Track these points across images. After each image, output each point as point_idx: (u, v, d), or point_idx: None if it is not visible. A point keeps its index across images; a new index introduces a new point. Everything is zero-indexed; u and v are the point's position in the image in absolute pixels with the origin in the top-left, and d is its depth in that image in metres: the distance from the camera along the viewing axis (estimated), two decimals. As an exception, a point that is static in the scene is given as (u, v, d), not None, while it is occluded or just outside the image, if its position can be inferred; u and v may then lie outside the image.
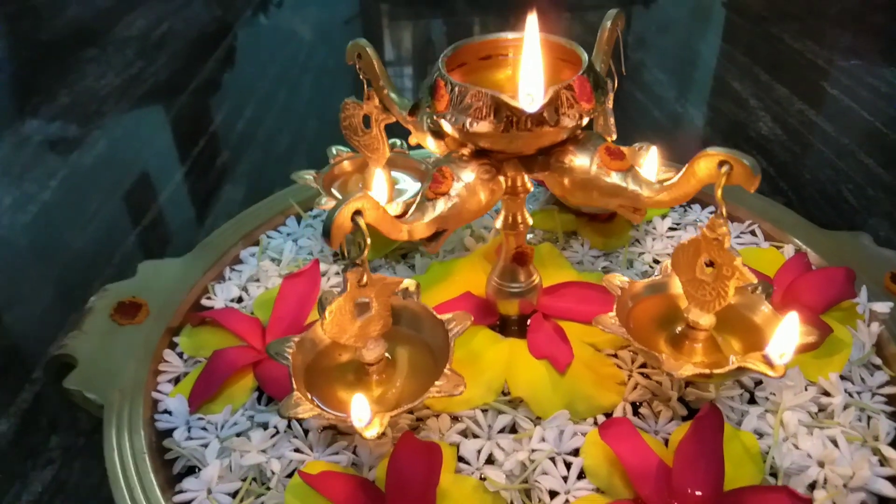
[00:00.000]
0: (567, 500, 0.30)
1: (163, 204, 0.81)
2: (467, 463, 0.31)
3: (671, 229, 0.46)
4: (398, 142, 0.46)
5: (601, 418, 0.33)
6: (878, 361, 0.36)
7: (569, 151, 0.29)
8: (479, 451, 0.32)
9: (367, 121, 0.40)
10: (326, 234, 0.25)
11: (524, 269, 0.36)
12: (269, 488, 0.30)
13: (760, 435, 0.32)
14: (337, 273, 0.43)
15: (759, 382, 0.35)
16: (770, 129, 0.84)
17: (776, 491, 0.27)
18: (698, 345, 0.30)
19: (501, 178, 0.30)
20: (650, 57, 1.09)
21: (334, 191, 0.43)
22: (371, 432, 0.27)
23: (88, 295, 0.67)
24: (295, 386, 0.29)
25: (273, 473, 0.31)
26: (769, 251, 0.43)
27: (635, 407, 0.34)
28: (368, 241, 0.26)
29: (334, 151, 0.45)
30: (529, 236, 0.44)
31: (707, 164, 0.26)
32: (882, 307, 0.37)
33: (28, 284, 0.69)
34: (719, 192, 0.26)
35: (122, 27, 1.44)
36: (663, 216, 0.47)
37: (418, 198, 0.29)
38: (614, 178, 0.29)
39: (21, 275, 0.70)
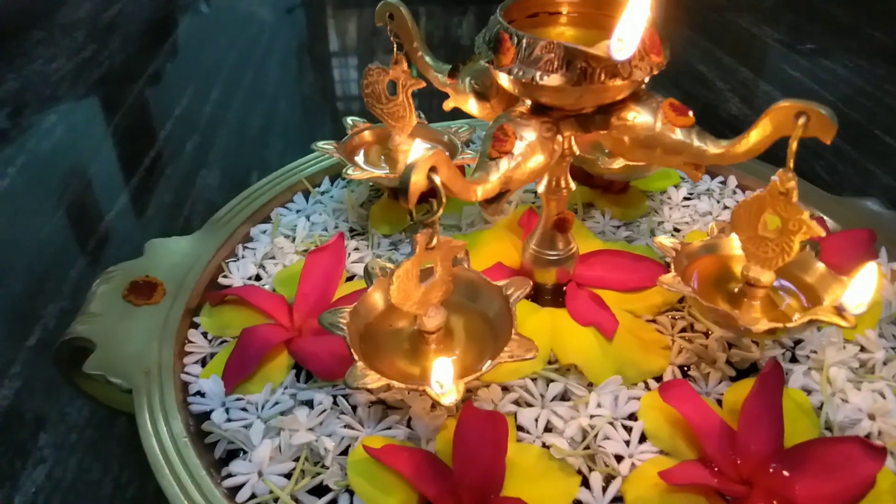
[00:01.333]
0: (633, 464, 0.29)
1: (133, 190, 0.78)
2: (527, 432, 0.31)
3: (686, 199, 0.47)
4: (419, 114, 0.44)
5: (652, 383, 0.33)
6: (905, 318, 0.37)
7: (631, 108, 0.29)
8: (536, 420, 0.31)
9: (391, 88, 0.38)
10: (404, 192, 0.24)
11: (563, 236, 0.36)
12: (325, 466, 0.29)
13: (808, 391, 0.32)
14: (356, 248, 0.42)
15: (798, 342, 0.35)
16: (739, 109, 0.86)
17: (847, 441, 0.28)
18: (756, 302, 0.30)
19: (560, 138, 0.29)
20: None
21: (358, 160, 0.42)
22: (448, 399, 0.26)
23: (60, 286, 0.63)
24: (356, 356, 0.28)
25: (327, 451, 0.29)
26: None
27: (683, 371, 0.34)
28: (444, 199, 0.25)
29: (350, 122, 0.43)
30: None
31: (783, 116, 0.26)
32: (902, 266, 0.38)
33: (1, 271, 0.64)
34: (794, 144, 0.26)
35: (69, 10, 1.37)
36: (677, 186, 0.47)
37: (479, 157, 0.28)
38: (679, 135, 0.28)
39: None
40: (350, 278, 0.40)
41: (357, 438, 0.30)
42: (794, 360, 0.34)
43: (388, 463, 0.28)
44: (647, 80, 0.28)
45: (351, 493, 0.28)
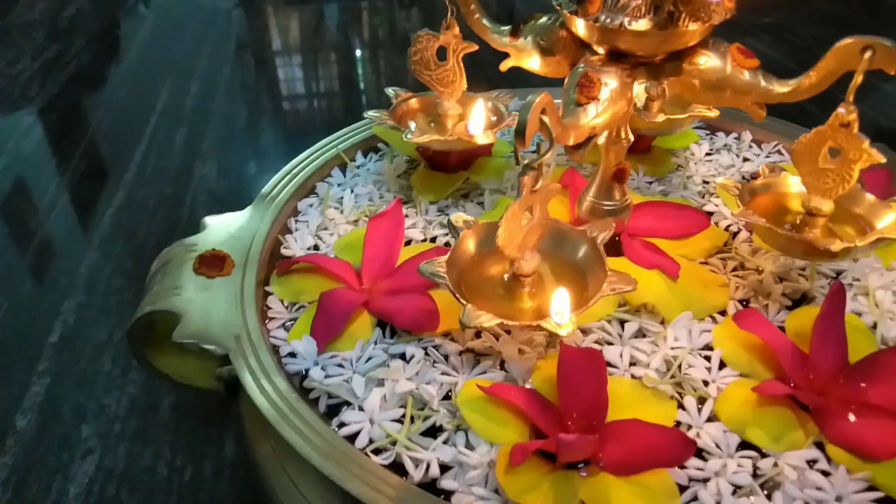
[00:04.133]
0: (718, 388, 0.31)
1: (129, 184, 0.77)
2: (615, 367, 0.32)
3: (707, 154, 0.49)
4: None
5: (718, 318, 0.35)
6: (931, 247, 0.40)
7: (701, 53, 0.31)
8: (620, 355, 0.33)
9: (440, 54, 0.39)
10: (520, 132, 0.25)
11: (620, 186, 0.37)
12: (434, 409, 0.30)
13: (859, 314, 0.35)
14: (406, 216, 0.43)
15: (840, 272, 0.38)
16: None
17: (914, 349, 0.30)
18: (817, 230, 0.33)
19: (637, 87, 0.31)
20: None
21: (412, 124, 0.43)
22: (566, 330, 0.27)
23: (73, 281, 0.62)
24: (461, 299, 0.29)
25: (431, 396, 0.30)
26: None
27: (743, 304, 0.36)
28: (553, 141, 0.26)
29: (392, 92, 0.44)
30: (582, 172, 0.45)
31: (847, 52, 0.28)
32: (919, 201, 0.42)
33: (6, 272, 0.63)
34: (860, 77, 0.28)
35: (22, 11, 1.33)
36: (698, 143, 0.50)
37: (564, 105, 0.29)
38: (748, 77, 0.30)
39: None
40: (407, 243, 0.41)
41: (456, 383, 0.31)
42: (839, 288, 0.37)
43: (502, 397, 0.29)
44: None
45: (464, 431, 0.29)
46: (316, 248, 0.41)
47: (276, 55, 1.12)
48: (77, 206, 0.73)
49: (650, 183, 0.46)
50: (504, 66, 0.37)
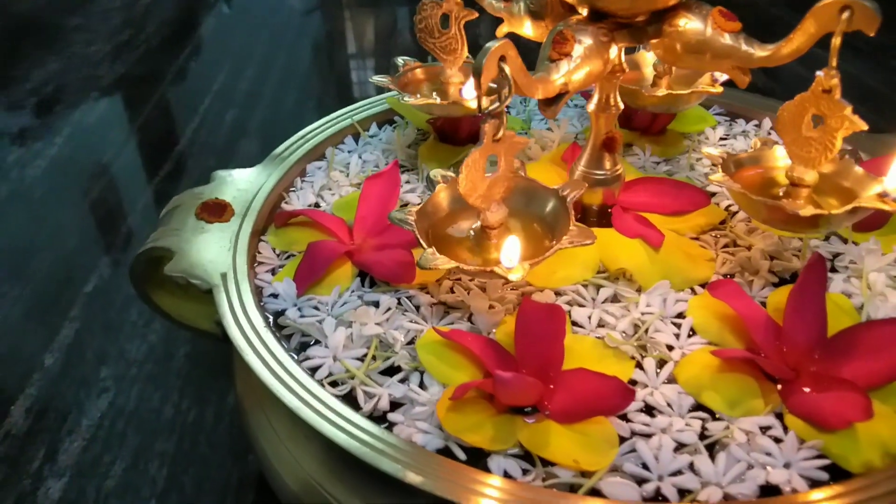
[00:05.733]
0: (683, 353, 0.31)
1: (178, 157, 0.81)
2: (581, 326, 0.32)
3: (722, 139, 0.48)
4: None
5: (698, 290, 0.35)
6: (940, 236, 0.38)
7: (682, 15, 0.31)
8: (589, 317, 0.33)
9: (444, 21, 0.41)
10: (477, 74, 0.26)
11: (610, 156, 0.37)
12: (395, 352, 0.31)
13: (849, 295, 0.34)
14: (408, 181, 0.44)
15: (837, 254, 0.37)
16: (763, 81, 0.87)
17: (889, 323, 0.29)
18: (801, 202, 0.32)
19: (615, 49, 0.31)
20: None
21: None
22: (516, 275, 0.28)
23: (114, 240, 0.66)
24: (424, 243, 0.30)
25: (395, 340, 0.31)
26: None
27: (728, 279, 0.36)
28: (514, 89, 0.27)
29: (401, 61, 0.46)
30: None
31: (826, 13, 0.27)
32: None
33: (57, 227, 0.68)
34: (838, 40, 0.28)
35: (105, -1, 1.40)
36: (714, 128, 0.49)
37: (539, 61, 0.30)
38: (728, 40, 0.30)
39: (47, 220, 0.69)
40: (404, 205, 0.42)
41: (422, 331, 0.32)
42: (833, 270, 0.36)
43: (457, 341, 0.30)
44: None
45: (420, 372, 0.30)
46: (317, 205, 0.43)
47: (341, 50, 1.16)
48: (127, 174, 0.77)
49: (657, 163, 0.46)
50: (499, 31, 0.37)
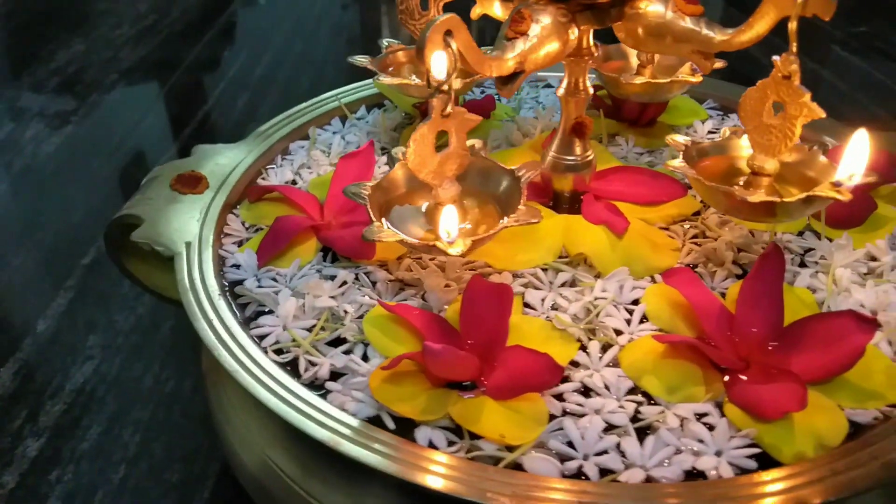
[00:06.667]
0: (631, 338, 0.31)
1: (187, 139, 0.82)
2: (533, 308, 0.32)
3: (710, 132, 0.48)
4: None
5: (658, 279, 0.34)
6: (920, 234, 0.37)
7: (643, -2, 0.30)
8: (543, 300, 0.33)
9: (423, 3, 0.41)
10: (420, 49, 0.26)
11: (581, 142, 0.37)
12: (343, 324, 0.31)
13: (814, 290, 0.33)
14: (387, 163, 0.44)
15: (808, 249, 0.36)
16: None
17: (841, 315, 0.29)
18: (761, 191, 0.32)
19: (576, 30, 0.31)
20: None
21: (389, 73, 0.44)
22: (455, 249, 0.28)
23: (115, 215, 0.68)
24: (373, 216, 0.30)
25: (346, 313, 0.32)
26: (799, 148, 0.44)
27: (691, 268, 0.35)
28: (458, 64, 0.27)
29: (385, 43, 0.46)
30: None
31: (784, -4, 0.27)
32: (921, 190, 0.39)
33: (64, 201, 0.70)
34: (794, 24, 0.27)
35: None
36: (703, 121, 0.48)
37: (497, 40, 0.30)
38: (688, 23, 0.30)
39: (56, 194, 0.71)
40: (378, 186, 0.42)
41: (374, 305, 0.32)
42: (802, 265, 0.35)
43: (401, 315, 0.30)
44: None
45: (365, 344, 0.30)
46: (294, 182, 0.43)
47: (361, 38, 1.17)
48: (135, 154, 0.79)
49: (640, 154, 0.45)
50: (473, 13, 0.37)
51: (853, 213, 0.37)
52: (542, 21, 0.30)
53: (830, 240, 0.36)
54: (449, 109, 0.28)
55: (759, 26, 0.28)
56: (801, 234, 0.37)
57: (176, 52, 1.06)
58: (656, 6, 0.30)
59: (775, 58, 0.28)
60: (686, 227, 0.38)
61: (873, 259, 0.35)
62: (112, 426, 0.45)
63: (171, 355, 0.51)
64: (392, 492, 0.27)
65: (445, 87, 0.28)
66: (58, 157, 0.78)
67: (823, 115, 0.28)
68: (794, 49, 0.28)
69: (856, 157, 0.28)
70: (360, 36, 1.15)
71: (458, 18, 0.26)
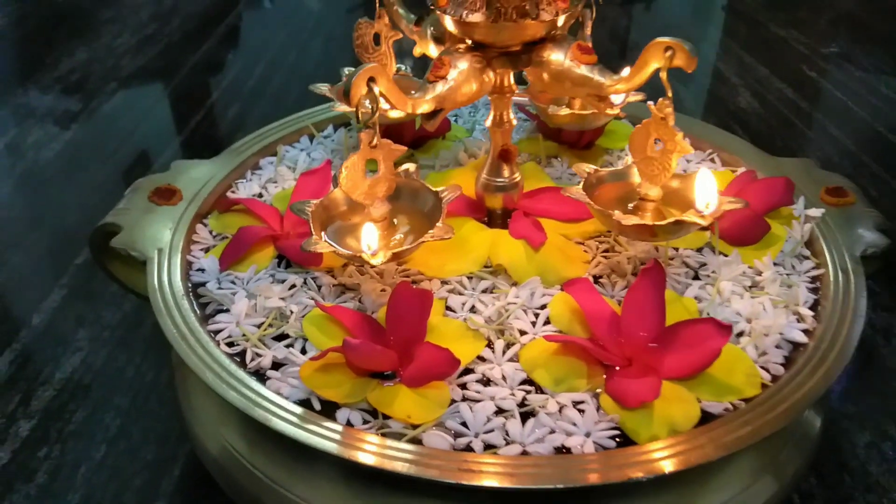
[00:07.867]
0: (534, 338, 0.36)
1: (178, 148, 0.88)
2: (454, 311, 0.38)
3: (641, 155, 0.53)
4: (402, 66, 0.52)
5: (568, 287, 0.39)
6: (808, 253, 0.42)
7: (547, 48, 0.35)
8: (463, 304, 0.38)
9: (377, 39, 0.46)
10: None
11: (508, 165, 0.42)
12: (288, 322, 0.36)
13: (699, 300, 0.38)
14: (345, 178, 0.49)
15: (703, 264, 0.41)
16: (748, 103, 0.91)
17: (703, 322, 0.34)
18: (648, 214, 0.37)
19: (491, 73, 0.36)
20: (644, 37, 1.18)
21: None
22: (376, 260, 0.33)
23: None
24: (314, 230, 0.35)
25: (292, 312, 0.37)
26: (724, 173, 0.49)
27: (596, 279, 0.40)
28: (380, 105, 0.32)
29: (346, 71, 0.51)
30: (518, 159, 0.50)
31: (655, 51, 0.32)
32: (815, 212, 0.43)
33: (61, 205, 0.75)
34: (664, 74, 0.32)
35: (137, -7, 1.48)
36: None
37: (423, 81, 0.35)
38: (583, 70, 0.35)
39: (54, 197, 0.77)
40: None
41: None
42: (696, 277, 0.40)
43: (334, 315, 0.35)
44: (561, 23, 0.35)
45: (305, 340, 0.36)
46: (260, 195, 0.48)
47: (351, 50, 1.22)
48: (128, 161, 0.84)
49: (573, 175, 0.50)
50: (415, 51, 0.43)
51: (748, 233, 0.42)
52: (460, 66, 0.35)
53: (725, 255, 0.41)
54: (375, 142, 0.33)
55: (639, 74, 0.33)
56: (699, 250, 0.42)
57: (173, 61, 1.12)
58: (557, 55, 0.35)
59: (650, 103, 0.33)
60: (599, 242, 0.43)
61: (759, 274, 0.40)
62: (96, 411, 0.51)
63: (152, 349, 0.56)
64: (322, 464, 0.33)
65: (371, 124, 0.33)
66: (57, 162, 0.83)
67: (692, 151, 0.33)
68: (670, 95, 0.33)
69: (705, 190, 0.33)
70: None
71: (381, 67, 0.32)
